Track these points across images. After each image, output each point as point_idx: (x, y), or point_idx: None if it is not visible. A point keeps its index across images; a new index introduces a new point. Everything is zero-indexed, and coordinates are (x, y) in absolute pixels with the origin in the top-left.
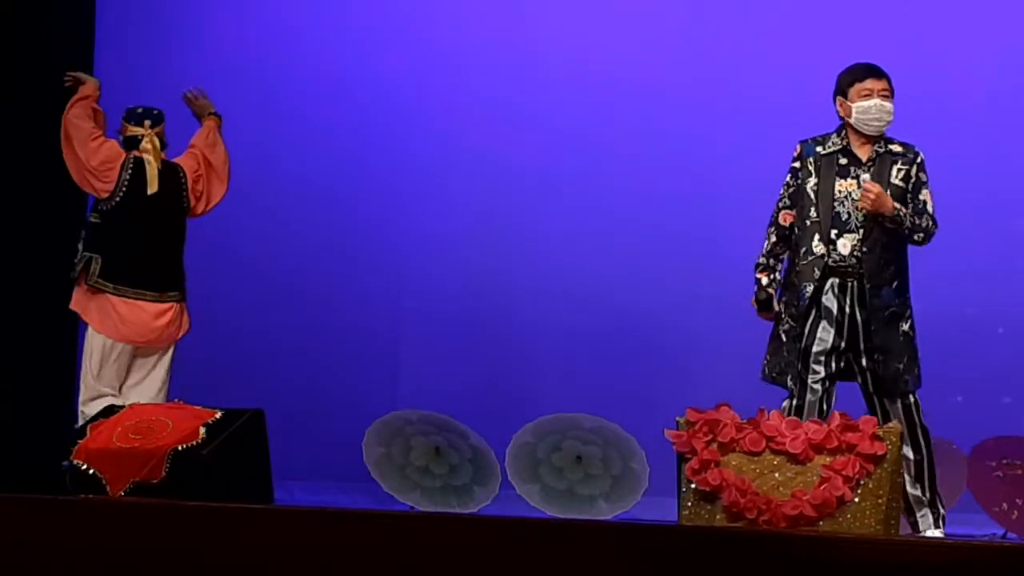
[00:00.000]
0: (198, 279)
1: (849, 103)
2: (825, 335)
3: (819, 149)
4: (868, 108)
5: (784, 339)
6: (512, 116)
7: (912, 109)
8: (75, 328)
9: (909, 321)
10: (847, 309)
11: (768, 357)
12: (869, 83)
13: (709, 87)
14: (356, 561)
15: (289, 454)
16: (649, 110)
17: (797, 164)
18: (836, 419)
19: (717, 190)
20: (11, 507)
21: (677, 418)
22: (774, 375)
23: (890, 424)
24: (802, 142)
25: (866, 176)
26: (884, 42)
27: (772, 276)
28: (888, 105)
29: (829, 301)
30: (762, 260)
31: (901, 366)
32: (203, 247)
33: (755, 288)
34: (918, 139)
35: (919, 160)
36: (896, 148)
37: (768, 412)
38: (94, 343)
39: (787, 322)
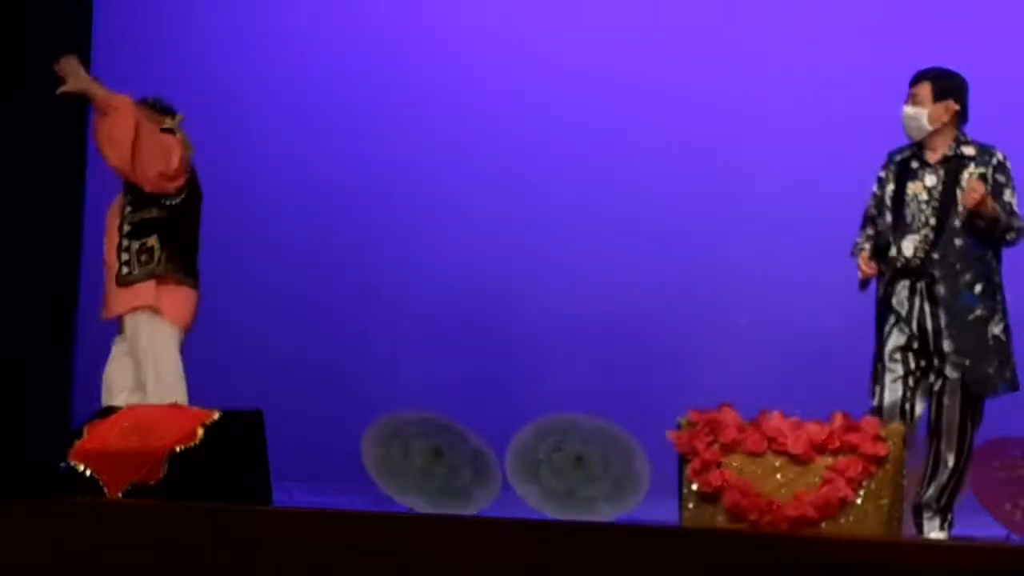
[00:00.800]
0: (202, 281)
1: None
2: (900, 337)
3: (896, 157)
4: (903, 115)
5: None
6: (512, 115)
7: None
8: (74, 328)
9: (1000, 324)
10: (915, 311)
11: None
12: (909, 89)
13: (711, 86)
14: (355, 563)
15: (288, 455)
16: (651, 108)
17: (883, 174)
18: (838, 420)
19: (720, 189)
20: (10, 508)
21: (679, 419)
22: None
23: (893, 424)
24: (889, 152)
25: (932, 178)
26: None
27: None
28: (908, 110)
29: (898, 303)
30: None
31: (991, 369)
32: (203, 247)
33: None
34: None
35: (995, 162)
36: (969, 151)
37: (770, 413)
38: (172, 341)
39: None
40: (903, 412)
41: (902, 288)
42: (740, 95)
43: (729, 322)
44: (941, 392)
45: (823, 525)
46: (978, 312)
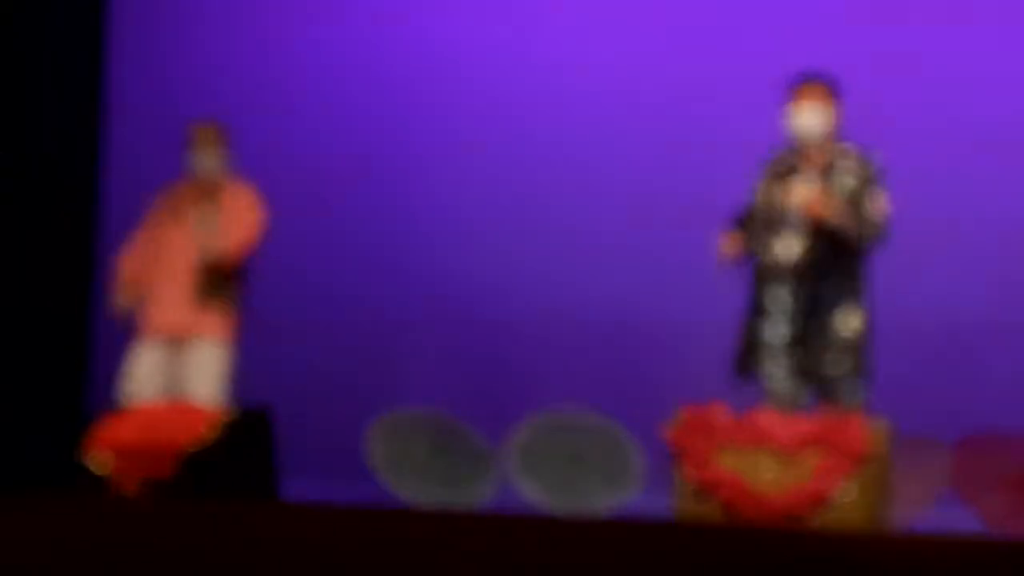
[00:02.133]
0: None
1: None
2: (774, 331)
3: (777, 157)
4: (796, 115)
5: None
6: (513, 111)
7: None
8: (88, 324)
9: (853, 328)
10: (791, 309)
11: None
12: (799, 90)
13: (714, 85)
14: (358, 558)
15: (292, 451)
16: (653, 104)
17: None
18: (827, 415)
19: (719, 185)
20: (22, 504)
21: (672, 415)
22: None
23: (880, 420)
24: (770, 152)
25: (807, 182)
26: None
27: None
28: (809, 113)
29: (770, 301)
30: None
31: (844, 371)
32: None
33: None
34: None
35: (871, 167)
36: (848, 152)
37: (761, 410)
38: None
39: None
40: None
41: (775, 285)
42: (749, 95)
43: (726, 320)
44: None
45: (813, 519)
46: (840, 309)
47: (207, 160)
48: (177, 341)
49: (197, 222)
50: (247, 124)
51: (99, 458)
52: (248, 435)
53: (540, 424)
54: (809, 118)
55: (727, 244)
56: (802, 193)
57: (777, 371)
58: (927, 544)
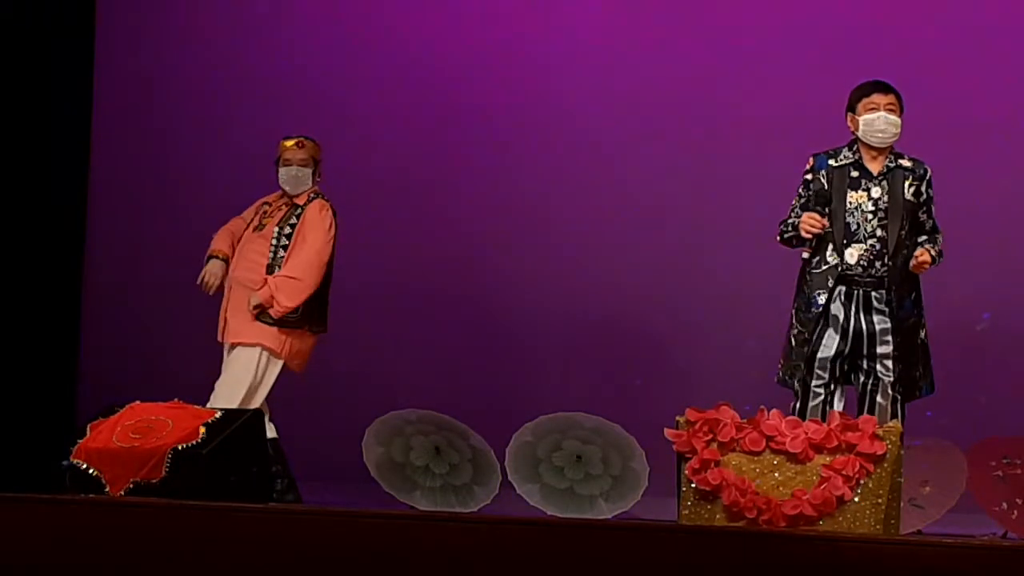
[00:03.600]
0: (185, 283)
1: (857, 117)
2: (831, 342)
3: (831, 162)
4: (873, 121)
5: (793, 344)
6: (515, 114)
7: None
8: (78, 326)
9: (925, 330)
10: (852, 317)
11: (782, 360)
12: (876, 98)
13: (718, 87)
14: (356, 561)
15: (289, 453)
16: (655, 108)
17: (810, 176)
18: (836, 419)
19: (720, 188)
20: (13, 506)
21: (677, 417)
22: (786, 379)
23: (890, 423)
24: (815, 155)
25: (877, 190)
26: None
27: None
28: (893, 118)
29: (836, 309)
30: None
31: (918, 372)
32: (198, 248)
33: (788, 232)
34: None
35: (928, 176)
36: (906, 163)
37: (768, 412)
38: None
39: (796, 327)
40: (822, 417)
41: (839, 294)
42: (751, 97)
43: (730, 322)
44: (874, 393)
45: (821, 523)
46: (913, 319)
47: (292, 175)
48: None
49: (276, 237)
50: (243, 122)
51: (89, 459)
52: (240, 436)
53: (541, 426)
54: (887, 126)
55: (813, 222)
56: (920, 255)
57: (824, 381)
58: (938, 549)
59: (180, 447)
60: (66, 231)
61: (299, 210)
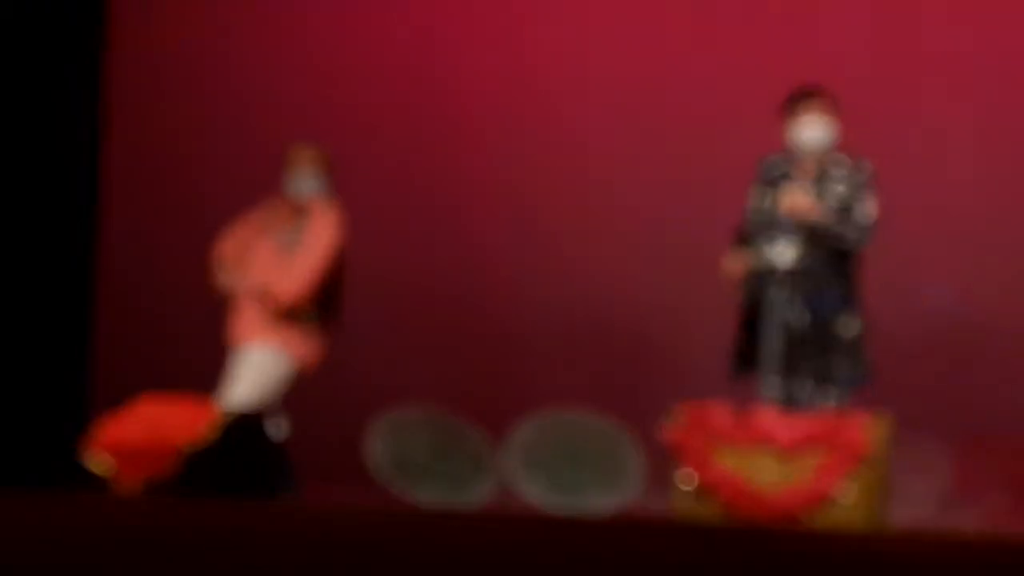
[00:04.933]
0: (197, 280)
1: (787, 124)
2: (775, 334)
3: (770, 164)
4: (801, 129)
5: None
6: (512, 110)
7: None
8: (91, 323)
9: (858, 323)
10: (787, 312)
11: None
12: (801, 104)
13: (713, 82)
14: (357, 559)
15: (293, 452)
16: (650, 102)
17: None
18: (828, 415)
19: (716, 183)
20: (24, 502)
21: (671, 414)
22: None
23: (881, 420)
24: (760, 159)
25: (799, 188)
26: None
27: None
28: (821, 123)
29: (769, 306)
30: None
31: (846, 364)
32: (211, 243)
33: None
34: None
35: (863, 174)
36: (839, 166)
37: (761, 409)
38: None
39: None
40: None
41: (775, 289)
42: (747, 92)
43: (725, 318)
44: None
45: (813, 520)
46: (836, 314)
47: (301, 182)
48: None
49: (284, 243)
50: (238, 117)
51: (100, 458)
52: (248, 435)
53: (539, 424)
54: (812, 131)
55: (733, 262)
56: (791, 197)
57: (773, 377)
58: (928, 544)
59: (189, 445)
60: (79, 225)
61: (307, 214)
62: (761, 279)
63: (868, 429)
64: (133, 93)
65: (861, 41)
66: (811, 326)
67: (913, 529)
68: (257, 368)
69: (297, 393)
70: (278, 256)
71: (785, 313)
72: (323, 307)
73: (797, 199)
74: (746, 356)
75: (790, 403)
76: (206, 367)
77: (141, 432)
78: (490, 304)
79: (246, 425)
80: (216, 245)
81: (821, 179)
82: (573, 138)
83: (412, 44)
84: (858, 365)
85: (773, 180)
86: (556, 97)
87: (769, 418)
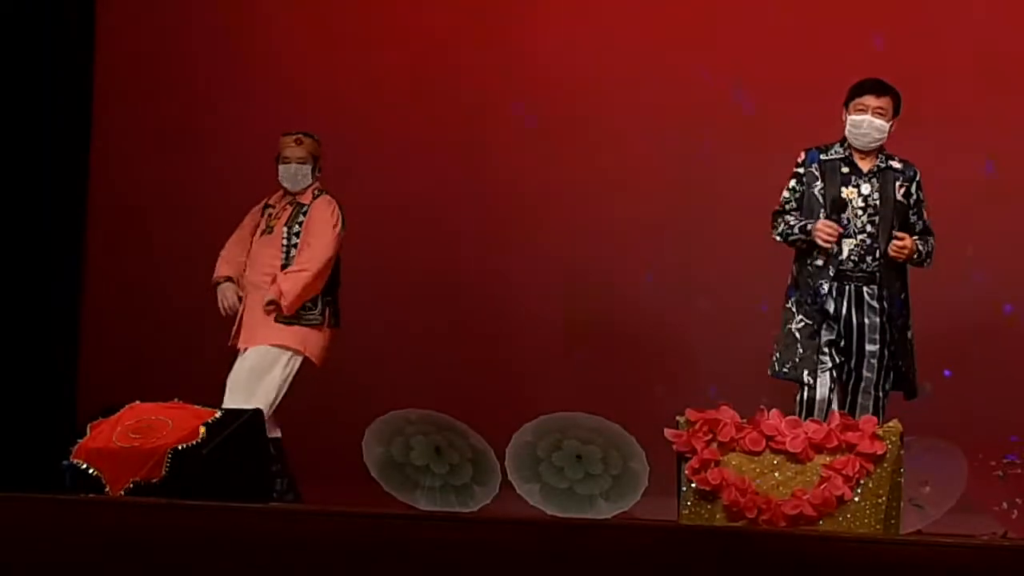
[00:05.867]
0: (197, 280)
1: (847, 115)
2: (830, 332)
3: (822, 156)
4: (859, 123)
5: (798, 336)
6: (515, 113)
7: None
8: (78, 325)
9: (912, 331)
10: (843, 311)
11: (779, 354)
12: (867, 99)
13: (716, 82)
14: (356, 561)
15: (289, 453)
16: (652, 103)
17: (802, 170)
18: (836, 418)
19: (719, 187)
20: (12, 505)
21: (677, 417)
22: (785, 371)
23: (890, 423)
24: (806, 150)
25: (867, 187)
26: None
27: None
28: (879, 123)
29: (832, 301)
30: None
31: (909, 370)
32: (197, 248)
33: (794, 235)
34: None
35: (918, 178)
36: (896, 164)
37: (768, 411)
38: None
39: (801, 320)
40: (830, 404)
41: (832, 288)
42: (749, 94)
43: (730, 321)
44: (855, 392)
45: (821, 523)
46: (903, 318)
47: (293, 171)
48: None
49: (282, 237)
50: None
51: (89, 459)
52: (241, 436)
53: (541, 425)
54: (870, 130)
55: (830, 231)
56: (898, 244)
57: (824, 376)
58: (939, 549)
59: (180, 447)
60: (67, 226)
61: (305, 208)
62: (813, 273)
63: (878, 433)
64: (120, 93)
65: (868, 40)
66: (879, 325)
67: (924, 535)
68: (265, 368)
69: (294, 394)
70: (276, 252)
71: (847, 311)
72: (325, 304)
73: (905, 244)
74: (797, 356)
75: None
76: (195, 367)
77: (129, 434)
78: (490, 304)
79: (237, 426)
80: (219, 245)
81: (880, 176)
82: (577, 137)
83: (409, 42)
84: (911, 373)
85: (828, 169)
86: (557, 98)
87: (777, 422)
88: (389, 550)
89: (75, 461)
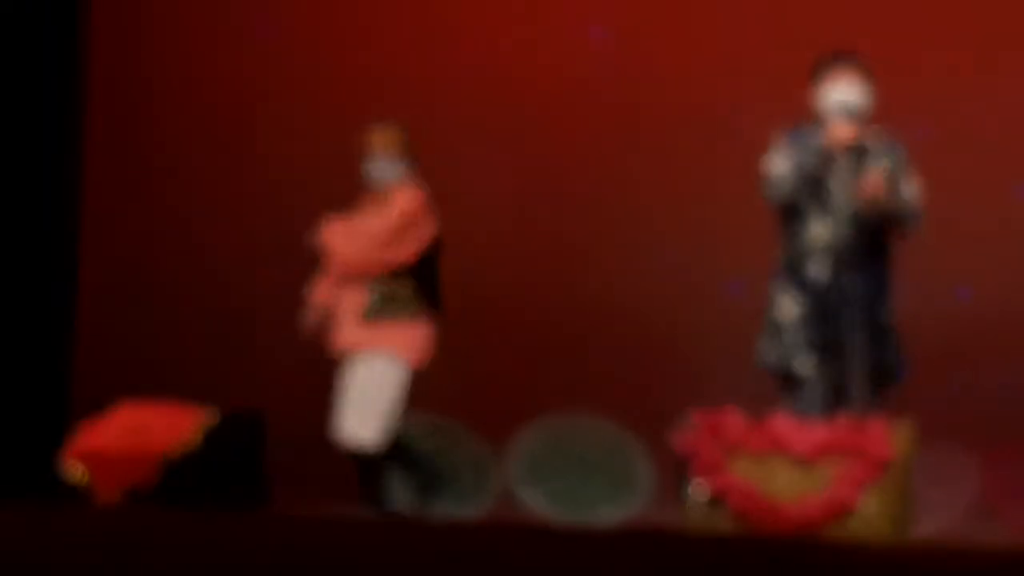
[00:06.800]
0: (179, 282)
1: (818, 89)
2: (819, 317)
3: (801, 134)
4: (829, 92)
5: (786, 323)
6: (520, 109)
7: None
8: (61, 326)
9: (891, 312)
10: (829, 292)
11: (770, 341)
12: (837, 66)
13: (725, 81)
14: (354, 567)
15: (286, 458)
16: (662, 101)
17: (786, 148)
18: (844, 421)
19: (723, 185)
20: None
21: (683, 421)
22: (780, 361)
23: (902, 424)
24: (786, 129)
25: (847, 164)
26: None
27: None
28: (855, 87)
29: (821, 283)
30: None
31: (890, 356)
32: (198, 249)
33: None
34: None
35: (901, 154)
36: (875, 139)
37: (776, 415)
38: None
39: (789, 305)
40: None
41: (818, 271)
42: (757, 91)
43: (736, 323)
44: (849, 381)
45: (829, 529)
46: (879, 298)
47: (379, 166)
48: (349, 360)
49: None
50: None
51: (78, 465)
52: (238, 441)
53: (543, 429)
54: (848, 94)
55: (874, 177)
56: (868, 180)
57: (806, 358)
58: (952, 556)
59: (174, 451)
60: (60, 226)
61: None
62: (794, 257)
63: (890, 436)
64: (115, 92)
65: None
66: (853, 309)
67: (938, 540)
68: (381, 377)
69: (294, 394)
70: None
71: (825, 294)
72: (424, 297)
73: (873, 181)
74: (777, 339)
75: (830, 390)
76: (189, 370)
77: (121, 439)
78: (494, 305)
79: (234, 429)
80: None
81: (861, 152)
82: (582, 139)
83: (402, 41)
84: (899, 354)
85: (804, 151)
86: (570, 98)
87: (784, 423)
88: (386, 561)
89: (66, 466)
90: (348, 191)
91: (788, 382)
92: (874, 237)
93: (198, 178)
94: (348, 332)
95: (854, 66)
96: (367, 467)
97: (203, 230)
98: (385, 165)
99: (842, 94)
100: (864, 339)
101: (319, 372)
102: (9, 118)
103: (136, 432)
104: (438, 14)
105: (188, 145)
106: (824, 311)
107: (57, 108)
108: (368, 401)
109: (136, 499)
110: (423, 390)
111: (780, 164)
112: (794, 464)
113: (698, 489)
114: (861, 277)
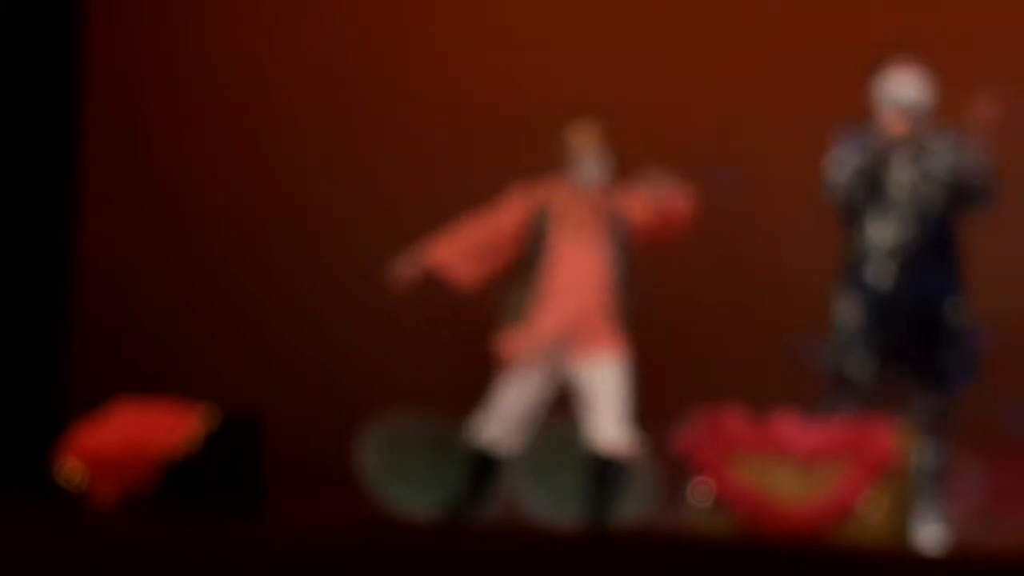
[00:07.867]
0: (176, 281)
1: (879, 84)
2: (882, 322)
3: (857, 134)
4: (893, 87)
5: (841, 327)
6: (523, 106)
7: None
8: (56, 326)
9: (964, 314)
10: (894, 296)
11: (833, 344)
12: (898, 59)
13: (733, 78)
14: (354, 569)
15: (284, 458)
16: (677, 91)
17: (847, 149)
18: (848, 424)
19: (742, 176)
20: None
21: (686, 422)
22: (836, 363)
23: (904, 427)
24: (844, 129)
25: (908, 163)
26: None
27: None
28: (917, 83)
29: (883, 288)
30: None
31: (955, 361)
32: (195, 248)
33: None
34: None
35: (963, 146)
36: (936, 136)
37: (780, 416)
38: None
39: (852, 311)
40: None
41: (883, 273)
42: (767, 85)
43: (742, 325)
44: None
45: (835, 533)
46: (946, 299)
47: (588, 167)
48: (559, 367)
49: (601, 238)
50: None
51: (74, 468)
52: (235, 443)
53: (543, 431)
54: (904, 89)
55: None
56: (980, 108)
57: (866, 357)
58: (951, 559)
59: (172, 454)
60: (55, 226)
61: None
62: (858, 259)
63: (893, 438)
64: (113, 91)
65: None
66: (915, 311)
67: (939, 546)
68: (619, 385)
69: (294, 394)
70: (592, 255)
71: (885, 297)
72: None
73: (985, 110)
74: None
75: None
76: (188, 370)
77: (118, 441)
78: (495, 305)
79: (232, 433)
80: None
81: (921, 152)
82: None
83: (386, 41)
84: (968, 357)
85: (861, 149)
86: (576, 83)
87: (788, 426)
88: (382, 564)
89: (60, 469)
90: (348, 191)
91: (841, 385)
92: (939, 235)
93: (197, 177)
94: (592, 335)
95: (910, 61)
96: (606, 472)
97: (202, 230)
98: (595, 165)
99: (897, 90)
100: (925, 344)
101: (319, 372)
102: (6, 117)
103: (134, 434)
104: (438, 14)
105: (187, 144)
106: (885, 315)
107: (54, 106)
108: (619, 402)
109: (134, 501)
110: (423, 389)
111: (839, 163)
112: (797, 466)
113: (699, 490)
114: (925, 279)
